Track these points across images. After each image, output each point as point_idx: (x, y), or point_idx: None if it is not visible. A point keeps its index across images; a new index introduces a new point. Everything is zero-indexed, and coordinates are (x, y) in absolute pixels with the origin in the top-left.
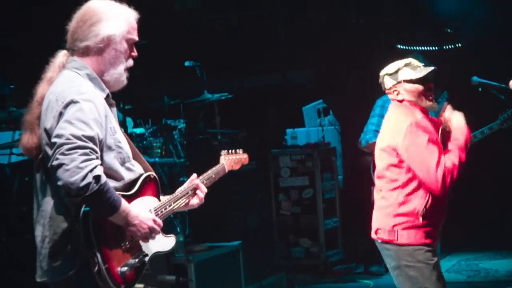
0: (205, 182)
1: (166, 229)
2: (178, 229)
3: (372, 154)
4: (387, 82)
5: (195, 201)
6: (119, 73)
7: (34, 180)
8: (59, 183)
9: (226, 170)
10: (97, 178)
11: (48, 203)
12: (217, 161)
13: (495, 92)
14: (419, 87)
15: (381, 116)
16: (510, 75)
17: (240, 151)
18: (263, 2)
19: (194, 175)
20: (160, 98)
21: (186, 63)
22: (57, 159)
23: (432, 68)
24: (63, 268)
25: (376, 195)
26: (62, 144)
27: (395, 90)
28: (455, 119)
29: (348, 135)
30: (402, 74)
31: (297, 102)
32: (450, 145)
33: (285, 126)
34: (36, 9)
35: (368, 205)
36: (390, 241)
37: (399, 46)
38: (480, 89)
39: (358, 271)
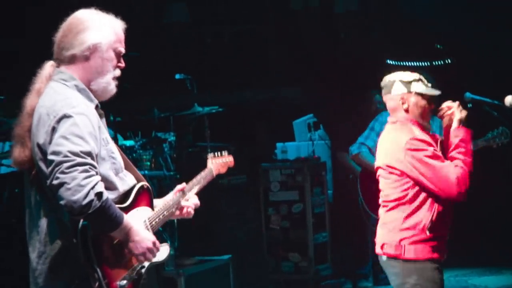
0: (194, 188)
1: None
2: (168, 242)
3: (358, 165)
4: (398, 88)
5: (186, 212)
6: (106, 82)
7: (27, 195)
8: (62, 202)
9: (214, 175)
10: (99, 195)
11: (44, 219)
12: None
13: (487, 109)
14: (426, 104)
15: (372, 129)
16: (499, 91)
17: (225, 153)
18: (253, 17)
19: (183, 184)
20: (150, 111)
21: (177, 76)
22: (57, 178)
23: (439, 92)
24: (62, 284)
25: (381, 210)
26: (61, 162)
27: (403, 98)
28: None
29: (339, 149)
30: (416, 86)
31: (287, 116)
32: (454, 153)
33: (275, 140)
34: (25, 20)
35: (357, 221)
36: (397, 256)
37: (389, 61)
38: (469, 105)
39: (347, 287)
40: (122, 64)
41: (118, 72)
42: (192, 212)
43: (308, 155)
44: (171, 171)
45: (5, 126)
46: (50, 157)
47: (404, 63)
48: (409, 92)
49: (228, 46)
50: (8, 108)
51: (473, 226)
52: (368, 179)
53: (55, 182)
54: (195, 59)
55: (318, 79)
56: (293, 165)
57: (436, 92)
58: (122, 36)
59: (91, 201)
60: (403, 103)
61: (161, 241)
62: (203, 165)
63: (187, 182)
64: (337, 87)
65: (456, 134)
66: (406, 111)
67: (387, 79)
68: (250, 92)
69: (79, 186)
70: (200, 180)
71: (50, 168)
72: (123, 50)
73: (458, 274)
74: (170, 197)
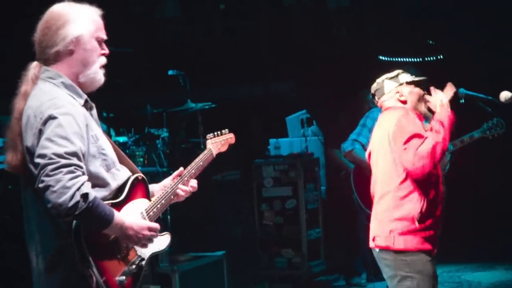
0: (194, 171)
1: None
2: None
3: (351, 163)
4: (388, 86)
5: (182, 193)
6: (94, 72)
7: (23, 197)
8: (48, 205)
9: (214, 155)
10: (84, 196)
11: (39, 220)
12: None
13: (481, 105)
14: (420, 90)
15: (364, 126)
16: (491, 87)
17: (225, 131)
18: (246, 12)
19: (181, 168)
20: (143, 107)
21: (170, 72)
22: (42, 181)
23: (424, 77)
24: (60, 284)
25: (374, 203)
26: (45, 165)
27: (398, 92)
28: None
29: (331, 145)
30: (403, 77)
31: (280, 112)
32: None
33: (268, 136)
34: (17, 17)
35: (350, 217)
36: (387, 247)
37: (381, 57)
38: (461, 101)
39: (340, 283)
40: (106, 51)
41: (103, 60)
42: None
43: (301, 151)
44: (164, 167)
45: None
46: (36, 160)
47: (397, 59)
48: (400, 84)
49: (220, 41)
50: (1, 105)
51: (466, 222)
52: (362, 175)
53: (40, 185)
54: (188, 55)
55: (311, 75)
56: (286, 161)
57: (422, 78)
58: (101, 23)
59: (77, 202)
60: (400, 95)
61: (161, 230)
62: None
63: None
64: (330, 83)
65: (435, 117)
66: (404, 102)
67: (376, 83)
68: (242, 88)
69: (64, 188)
70: (199, 162)
71: (36, 171)
72: (104, 36)
73: (451, 270)
74: (168, 182)
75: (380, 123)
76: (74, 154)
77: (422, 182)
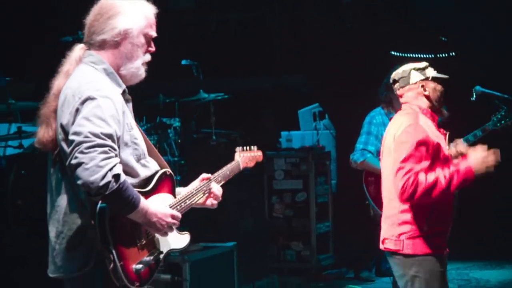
0: (220, 179)
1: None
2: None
3: (363, 171)
4: (414, 76)
5: (210, 202)
6: (136, 67)
7: (49, 175)
8: (79, 182)
9: (241, 167)
10: (116, 176)
11: (64, 198)
12: (210, 161)
13: (497, 103)
14: (442, 88)
15: (369, 134)
16: (504, 84)
17: (254, 148)
18: (259, 5)
19: (209, 174)
20: (155, 96)
21: (183, 62)
22: (75, 157)
23: (448, 76)
24: (78, 265)
25: (384, 205)
26: (80, 142)
27: (423, 86)
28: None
29: (343, 139)
30: (430, 72)
31: (292, 105)
32: (440, 170)
33: (280, 129)
34: (31, 3)
35: (360, 211)
36: (397, 251)
37: (393, 53)
38: (473, 98)
39: (349, 276)
40: (153, 49)
41: (148, 57)
42: (216, 203)
43: (313, 144)
44: (175, 156)
45: (13, 107)
46: (71, 137)
47: (408, 55)
48: (427, 78)
49: (234, 33)
50: (15, 90)
51: (476, 220)
52: (376, 182)
53: (73, 161)
54: (201, 46)
55: (323, 68)
56: (298, 154)
57: (446, 76)
58: (153, 20)
59: (108, 182)
60: (424, 90)
61: (182, 229)
62: (208, 151)
63: (191, 168)
64: (342, 77)
65: (462, 162)
66: (428, 97)
67: (401, 70)
68: (255, 80)
69: (97, 167)
70: (226, 171)
71: (70, 148)
72: (154, 34)
73: (460, 267)
74: (194, 185)
75: (393, 124)
76: (110, 136)
77: None
